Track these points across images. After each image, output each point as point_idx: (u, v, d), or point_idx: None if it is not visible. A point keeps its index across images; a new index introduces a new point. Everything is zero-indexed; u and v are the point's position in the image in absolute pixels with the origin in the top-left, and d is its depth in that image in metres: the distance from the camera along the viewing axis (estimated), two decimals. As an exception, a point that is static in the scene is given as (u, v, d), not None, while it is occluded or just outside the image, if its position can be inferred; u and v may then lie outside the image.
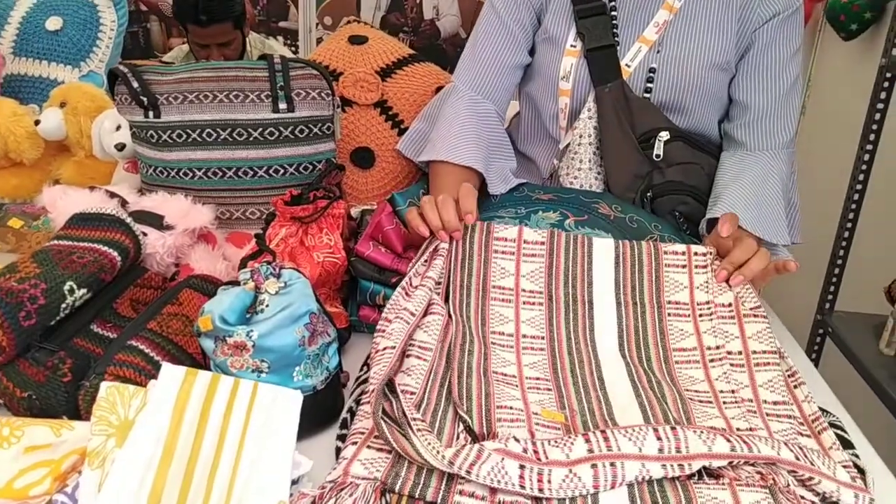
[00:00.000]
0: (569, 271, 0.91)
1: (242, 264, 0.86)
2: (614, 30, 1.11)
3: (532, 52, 1.22)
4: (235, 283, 0.80)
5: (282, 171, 1.10)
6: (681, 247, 0.92)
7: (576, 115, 1.15)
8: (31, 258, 0.83)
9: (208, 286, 0.94)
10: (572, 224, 1.00)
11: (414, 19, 3.93)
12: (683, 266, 0.90)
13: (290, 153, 1.09)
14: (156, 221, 0.98)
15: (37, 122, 1.30)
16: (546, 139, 1.24)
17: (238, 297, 0.76)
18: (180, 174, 1.09)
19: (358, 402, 0.80)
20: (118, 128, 1.24)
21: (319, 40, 3.95)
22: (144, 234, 0.96)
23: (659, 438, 0.67)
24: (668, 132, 1.11)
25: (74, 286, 0.80)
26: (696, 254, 0.91)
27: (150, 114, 1.07)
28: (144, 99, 1.06)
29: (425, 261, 0.88)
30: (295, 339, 0.75)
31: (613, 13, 1.11)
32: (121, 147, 1.21)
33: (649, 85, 1.11)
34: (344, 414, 0.80)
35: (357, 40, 1.36)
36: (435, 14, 3.92)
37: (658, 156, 1.11)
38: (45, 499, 0.61)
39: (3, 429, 0.72)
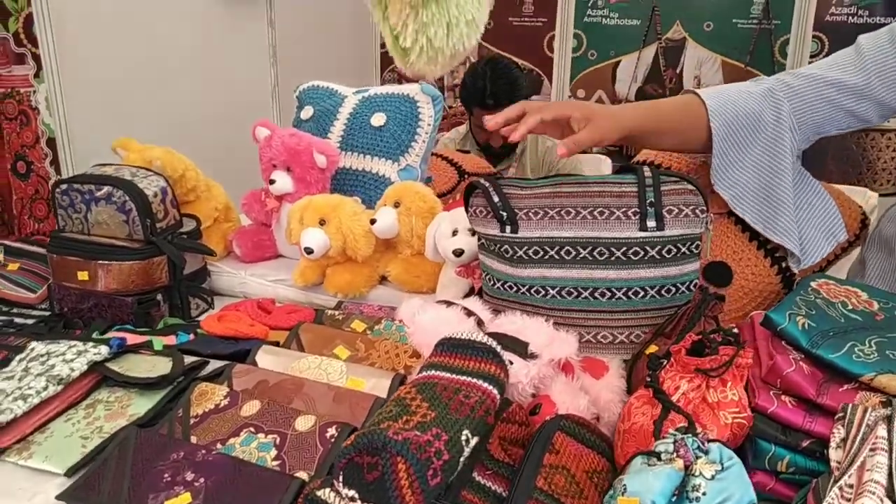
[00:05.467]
0: None
1: (656, 431, 0.74)
2: None
3: None
4: (651, 453, 0.69)
5: (642, 293, 0.99)
6: None
7: None
8: (418, 392, 0.79)
9: (580, 430, 0.84)
10: None
11: (673, 91, 3.76)
12: None
13: (653, 274, 0.98)
14: (520, 349, 0.91)
15: (372, 221, 1.32)
16: None
17: (669, 479, 0.65)
18: (531, 291, 1.02)
19: None
20: (454, 232, 1.21)
21: (571, 112, 3.92)
22: (510, 363, 0.89)
23: None
24: None
25: (469, 435, 0.74)
26: None
27: (508, 228, 1.02)
28: (504, 214, 1.01)
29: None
30: (738, 540, 0.62)
31: None
32: (459, 253, 1.19)
33: None
34: None
35: (698, 139, 1.23)
36: (696, 85, 3.72)
37: None
38: None
39: None
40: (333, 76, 1.80)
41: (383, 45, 4.19)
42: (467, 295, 1.22)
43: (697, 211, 0.97)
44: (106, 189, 1.29)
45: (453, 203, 1.57)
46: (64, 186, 1.33)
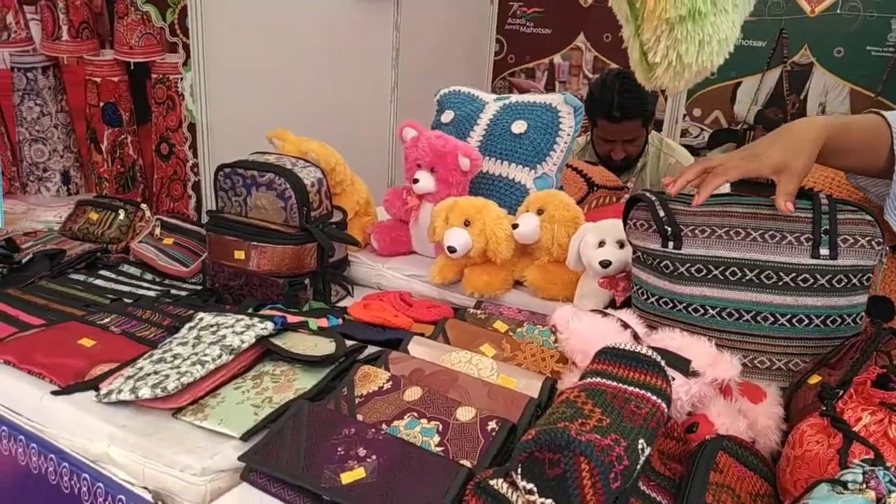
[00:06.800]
0: None
1: (842, 461, 0.73)
2: None
3: None
4: (836, 481, 0.68)
5: (806, 321, 0.97)
6: None
7: None
8: (588, 398, 0.80)
9: (743, 452, 0.84)
10: None
11: (794, 116, 3.62)
12: None
13: (820, 303, 0.96)
14: (682, 366, 0.91)
15: (514, 226, 1.35)
16: None
17: (860, 510, 0.64)
18: (689, 310, 1.01)
19: None
20: (601, 243, 1.22)
21: (684, 131, 3.85)
22: (673, 379, 0.89)
23: None
24: None
25: (644, 444, 0.75)
26: None
27: (671, 244, 1.02)
28: (669, 229, 1.01)
29: None
30: (939, 582, 0.60)
31: None
32: (606, 264, 1.19)
33: None
34: None
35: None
36: (820, 112, 3.58)
37: None
38: None
39: None
40: (447, 81, 1.84)
41: (497, 54, 4.24)
42: (607, 307, 1.23)
43: (873, 243, 0.95)
44: (268, 176, 1.36)
45: (595, 213, 1.58)
46: (227, 170, 1.42)
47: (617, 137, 2.31)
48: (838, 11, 3.45)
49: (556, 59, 4.07)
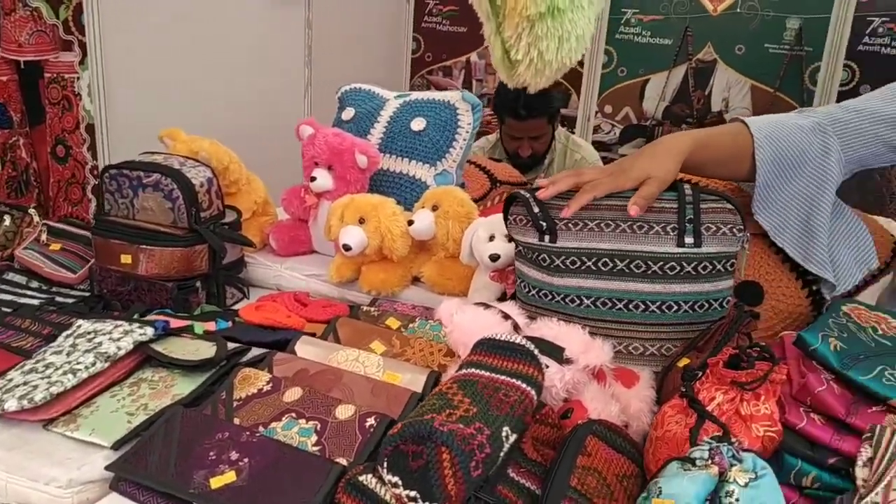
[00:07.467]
0: None
1: (692, 439, 0.77)
2: None
3: None
4: (686, 459, 0.71)
5: (675, 307, 1.01)
6: None
7: None
8: (459, 388, 0.82)
9: (612, 436, 0.87)
10: None
11: (700, 111, 3.77)
12: None
13: (687, 290, 1.00)
14: (556, 354, 0.94)
15: (410, 223, 1.35)
16: None
17: (704, 485, 0.67)
18: (566, 300, 1.04)
19: None
20: (491, 238, 1.24)
21: (597, 128, 3.95)
22: (546, 367, 0.92)
23: None
24: None
25: (509, 432, 0.77)
26: None
27: (547, 238, 1.04)
28: (544, 223, 1.04)
29: None
30: (771, 549, 0.64)
31: None
32: (495, 258, 1.21)
33: None
34: None
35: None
36: (724, 107, 3.73)
37: None
38: None
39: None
40: (363, 79, 1.83)
41: (414, 52, 4.24)
42: (500, 299, 1.25)
43: (735, 230, 1.00)
44: (154, 176, 1.33)
45: (488, 209, 1.60)
46: (113, 171, 1.37)
47: (523, 134, 2.35)
48: (738, 10, 3.59)
49: (473, 57, 4.11)
